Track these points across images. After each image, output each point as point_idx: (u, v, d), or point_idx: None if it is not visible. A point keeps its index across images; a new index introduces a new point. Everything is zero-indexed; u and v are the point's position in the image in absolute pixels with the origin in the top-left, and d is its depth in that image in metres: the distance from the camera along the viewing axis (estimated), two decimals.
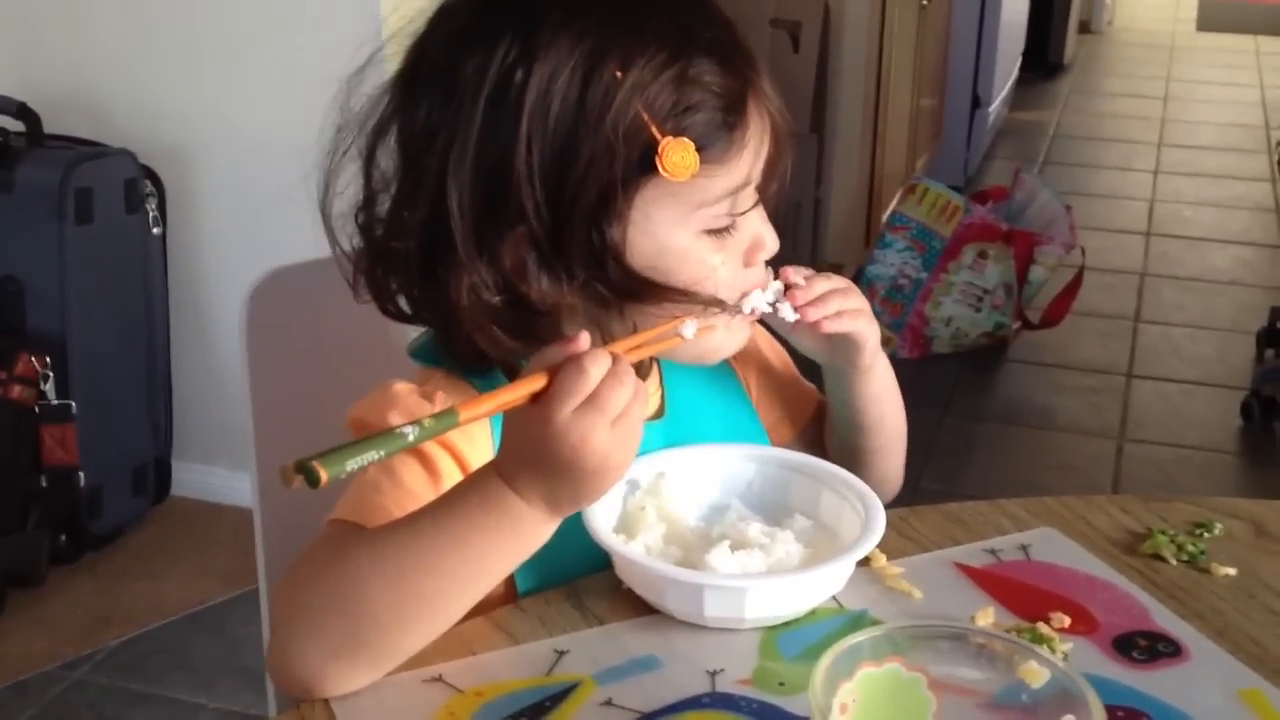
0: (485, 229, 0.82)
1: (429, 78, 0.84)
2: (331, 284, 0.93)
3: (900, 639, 0.61)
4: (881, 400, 1.05)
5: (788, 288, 0.93)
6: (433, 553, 0.76)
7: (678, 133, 0.81)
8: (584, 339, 0.75)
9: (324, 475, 0.65)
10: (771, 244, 0.90)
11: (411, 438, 0.69)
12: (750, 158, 0.86)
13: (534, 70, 0.80)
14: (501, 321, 0.85)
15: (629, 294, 0.85)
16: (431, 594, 0.77)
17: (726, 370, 1.05)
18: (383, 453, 0.68)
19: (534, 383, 0.74)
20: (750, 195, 0.88)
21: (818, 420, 1.11)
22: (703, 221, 0.86)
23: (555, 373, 0.74)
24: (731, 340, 0.93)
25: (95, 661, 2.12)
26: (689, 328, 0.85)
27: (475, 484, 0.77)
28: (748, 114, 0.85)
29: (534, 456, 0.74)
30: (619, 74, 0.80)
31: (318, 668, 0.77)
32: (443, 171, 0.81)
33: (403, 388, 0.88)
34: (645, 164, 0.81)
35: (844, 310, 0.96)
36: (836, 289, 0.96)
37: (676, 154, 0.80)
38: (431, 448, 0.84)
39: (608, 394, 0.73)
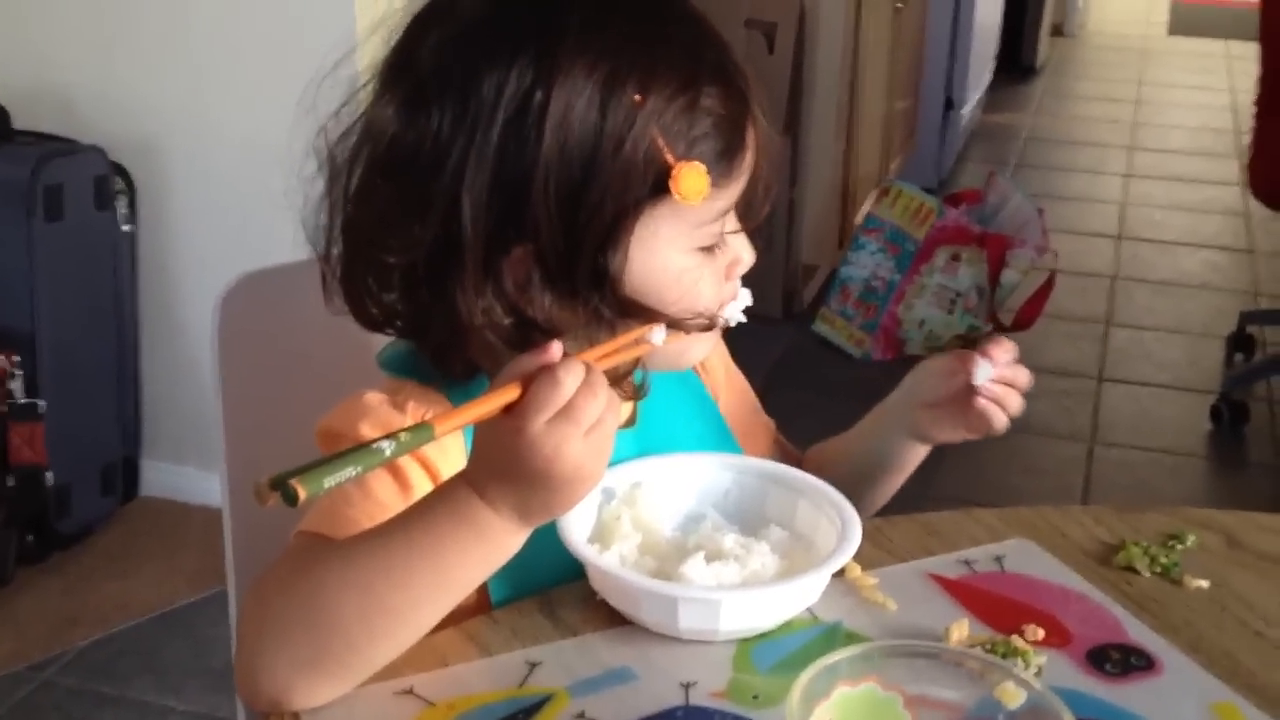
0: (493, 246, 0.82)
1: (437, 89, 0.82)
2: (304, 289, 0.92)
3: (876, 657, 0.61)
4: (909, 469, 1.08)
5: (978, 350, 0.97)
6: (401, 565, 0.76)
7: (689, 157, 0.82)
8: (556, 348, 0.74)
9: (302, 493, 0.65)
10: (749, 258, 0.91)
11: (388, 452, 0.69)
12: (745, 178, 0.87)
13: (554, 92, 0.79)
14: (504, 339, 0.84)
15: (628, 312, 0.85)
16: (400, 606, 0.76)
17: (696, 382, 1.05)
18: (359, 468, 0.68)
19: (508, 394, 0.73)
20: (732, 214, 0.89)
21: (773, 452, 1.11)
22: (698, 239, 0.86)
23: (529, 383, 0.73)
24: (700, 347, 0.93)
25: (63, 663, 2.10)
26: (658, 334, 0.85)
27: (444, 495, 0.77)
28: (747, 137, 0.86)
29: (506, 467, 0.74)
30: (637, 99, 0.80)
31: (285, 681, 0.76)
32: (456, 189, 0.80)
33: (374, 398, 0.87)
34: (657, 187, 0.82)
35: (1007, 404, 0.98)
36: (1019, 385, 0.99)
37: (691, 179, 0.81)
38: (402, 459, 0.83)
39: (581, 404, 0.72)
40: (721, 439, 1.04)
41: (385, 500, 0.82)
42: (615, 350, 0.82)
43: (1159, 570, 0.94)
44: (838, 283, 3.37)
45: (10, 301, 2.23)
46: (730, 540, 0.88)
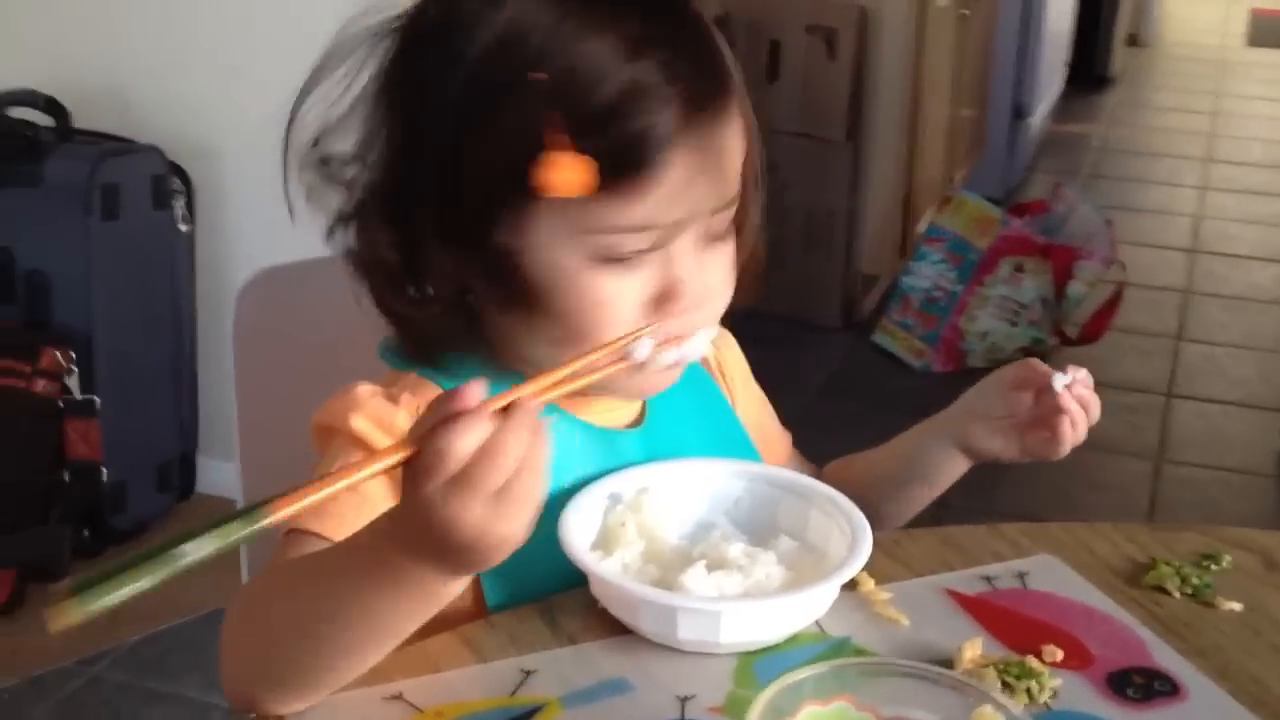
0: (402, 194, 0.84)
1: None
2: (321, 284, 0.92)
3: (848, 676, 0.58)
4: (943, 486, 1.04)
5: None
6: (339, 605, 0.73)
7: (582, 148, 0.77)
8: (472, 393, 0.66)
9: (74, 610, 0.59)
10: (690, 295, 0.84)
11: (191, 558, 0.59)
12: (666, 201, 0.81)
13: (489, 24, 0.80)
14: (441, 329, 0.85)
15: (520, 301, 0.83)
16: (344, 643, 0.74)
17: (710, 385, 1.02)
18: (156, 580, 0.59)
19: (395, 454, 0.66)
20: (668, 237, 0.83)
21: (789, 465, 1.08)
22: (593, 248, 0.82)
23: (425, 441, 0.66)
24: (657, 380, 0.88)
25: (112, 658, 2.12)
26: (643, 347, 0.80)
27: (373, 545, 0.71)
28: (669, 157, 0.80)
29: (412, 529, 0.67)
30: (550, 73, 0.78)
31: (253, 691, 0.76)
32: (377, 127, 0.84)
33: (366, 390, 0.86)
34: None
35: (1076, 422, 0.96)
36: (1091, 410, 0.96)
37: (555, 168, 0.76)
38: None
39: (480, 468, 0.64)
40: (736, 444, 1.01)
41: (373, 495, 0.80)
42: (564, 378, 0.74)
43: (1190, 591, 0.90)
44: (899, 293, 3.32)
45: (68, 299, 2.26)
46: (736, 549, 0.86)
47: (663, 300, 0.84)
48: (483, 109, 0.80)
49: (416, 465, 0.65)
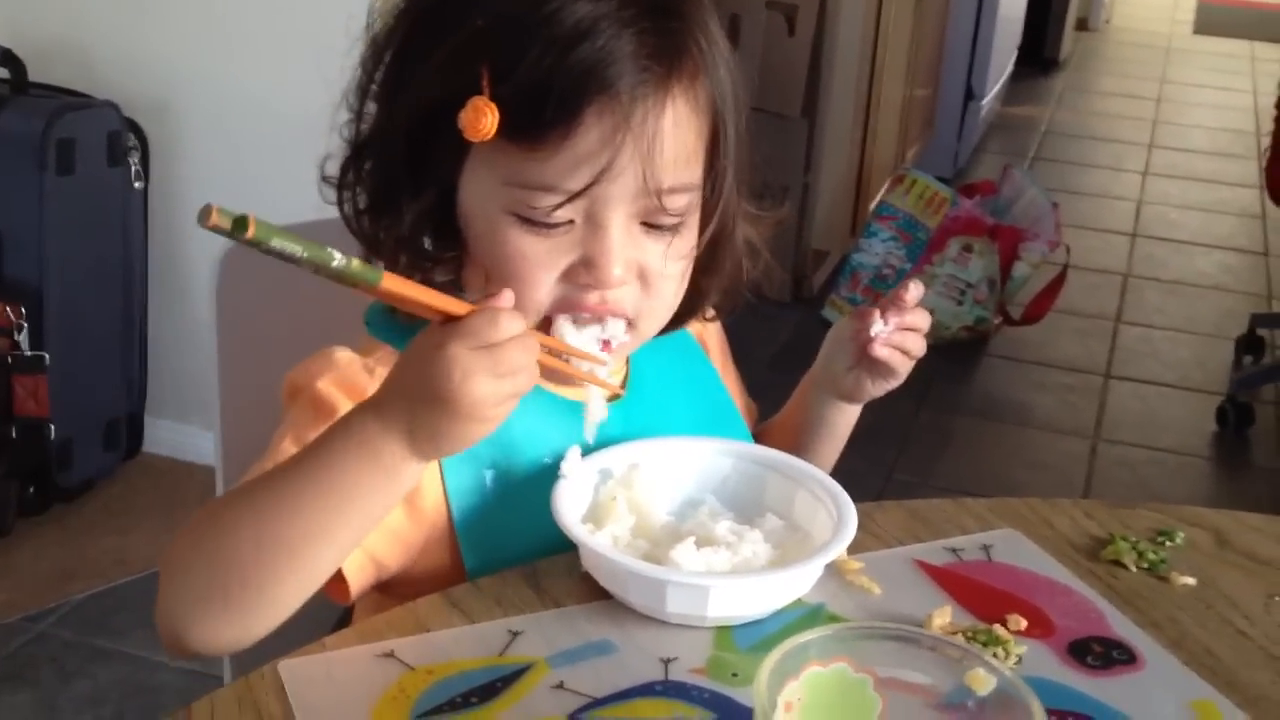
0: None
1: None
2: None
3: (849, 638, 0.61)
4: (846, 433, 1.08)
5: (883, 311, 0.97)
6: (293, 493, 0.75)
7: (495, 95, 0.79)
8: (507, 297, 0.76)
9: (252, 229, 0.63)
10: (605, 273, 0.84)
11: (334, 263, 0.67)
12: (573, 165, 0.81)
13: None
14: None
15: (451, 241, 0.87)
16: (292, 538, 0.75)
17: (698, 351, 1.04)
18: (306, 254, 0.66)
19: (457, 305, 0.74)
20: (582, 206, 0.83)
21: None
22: (509, 201, 0.83)
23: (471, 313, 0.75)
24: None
25: (59, 615, 2.12)
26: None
27: (342, 420, 0.77)
28: (581, 119, 0.80)
29: (414, 381, 0.74)
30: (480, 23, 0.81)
31: (185, 616, 0.76)
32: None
33: (344, 355, 0.87)
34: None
35: (908, 348, 0.98)
36: (919, 329, 0.98)
37: (472, 111, 0.79)
38: (340, 406, 0.84)
39: (508, 350, 0.73)
40: (724, 417, 1.03)
41: None
42: (565, 350, 0.84)
43: (1146, 566, 0.94)
44: (848, 269, 3.36)
45: (19, 254, 2.24)
46: (723, 527, 0.87)
47: (573, 269, 0.85)
48: (424, 46, 0.82)
49: (464, 323, 0.73)
